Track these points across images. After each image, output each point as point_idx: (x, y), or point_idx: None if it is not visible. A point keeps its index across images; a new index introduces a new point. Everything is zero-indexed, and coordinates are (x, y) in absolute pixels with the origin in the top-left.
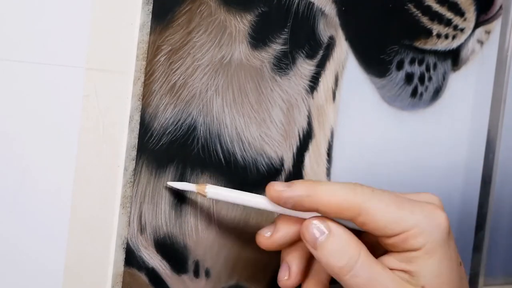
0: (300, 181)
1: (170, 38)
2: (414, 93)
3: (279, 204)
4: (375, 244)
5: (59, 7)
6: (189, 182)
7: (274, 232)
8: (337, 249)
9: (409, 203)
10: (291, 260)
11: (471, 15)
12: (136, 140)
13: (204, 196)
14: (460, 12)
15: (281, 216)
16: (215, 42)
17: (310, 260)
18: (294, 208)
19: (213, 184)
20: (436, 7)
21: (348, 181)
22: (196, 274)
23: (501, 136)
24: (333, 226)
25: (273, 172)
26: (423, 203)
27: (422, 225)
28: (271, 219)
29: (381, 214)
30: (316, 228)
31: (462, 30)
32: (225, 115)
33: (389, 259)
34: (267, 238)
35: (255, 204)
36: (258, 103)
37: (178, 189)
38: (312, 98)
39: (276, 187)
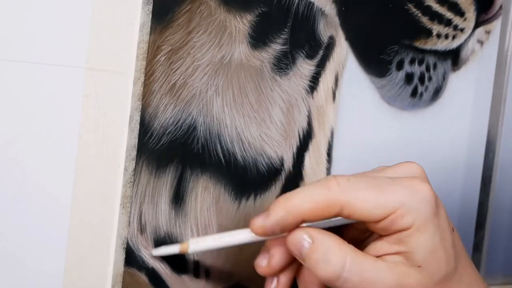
0: (273, 203)
1: (170, 38)
2: (414, 93)
3: (268, 236)
4: (367, 231)
5: (59, 7)
6: (189, 182)
7: (270, 259)
8: (322, 258)
9: (389, 183)
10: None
11: (471, 15)
12: (136, 140)
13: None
14: (460, 12)
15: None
16: (215, 42)
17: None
18: (284, 231)
19: (214, 184)
20: (436, 7)
21: None
22: (196, 274)
23: (501, 136)
24: (316, 234)
25: (273, 172)
26: (404, 179)
27: (407, 203)
28: None
29: (363, 203)
30: (300, 240)
31: (462, 30)
32: (225, 115)
33: (382, 244)
34: (266, 267)
35: (242, 240)
36: (258, 103)
37: (163, 255)
38: (312, 98)
39: (257, 223)
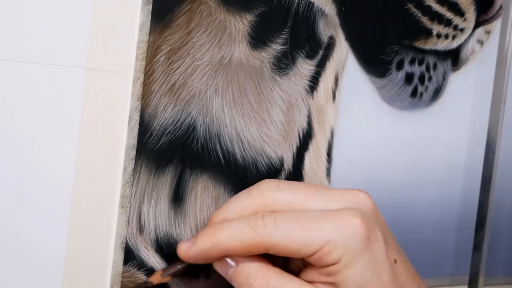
0: (201, 232)
1: (170, 38)
2: (414, 93)
3: (193, 263)
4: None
5: (59, 7)
6: (189, 182)
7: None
8: (245, 281)
9: (318, 219)
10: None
11: (471, 15)
12: (136, 140)
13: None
14: (460, 12)
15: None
16: (214, 42)
17: None
18: (206, 261)
19: (213, 184)
20: (436, 7)
21: (348, 180)
22: (196, 274)
23: (501, 136)
24: (240, 258)
25: (273, 172)
26: (336, 212)
27: (335, 239)
28: None
29: (288, 243)
30: (224, 262)
31: (462, 30)
32: (224, 115)
33: (312, 273)
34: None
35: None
36: (258, 103)
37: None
38: (312, 98)
39: (182, 247)
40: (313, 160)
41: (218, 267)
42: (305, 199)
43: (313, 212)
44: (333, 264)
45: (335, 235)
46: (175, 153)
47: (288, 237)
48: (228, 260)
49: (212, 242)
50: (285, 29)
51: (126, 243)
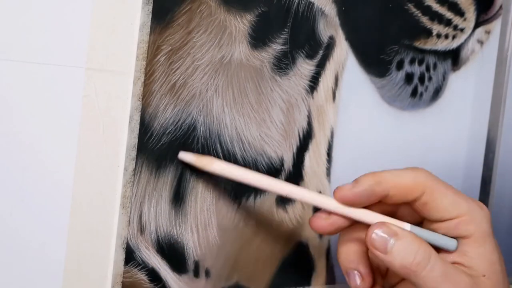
0: (362, 176)
1: (170, 38)
2: (414, 93)
3: (352, 204)
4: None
5: (59, 7)
6: (189, 182)
7: (330, 217)
8: (410, 248)
9: (462, 193)
10: (357, 266)
11: (471, 15)
12: (136, 140)
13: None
14: (460, 12)
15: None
16: (215, 42)
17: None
18: (366, 202)
19: (214, 184)
20: (436, 7)
21: (348, 180)
22: (196, 274)
23: (501, 136)
24: (398, 229)
25: (273, 172)
26: (472, 199)
27: (474, 213)
28: (272, 219)
29: (442, 195)
30: (383, 234)
31: (462, 30)
32: (225, 115)
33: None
34: (325, 220)
35: (320, 203)
36: (258, 103)
37: (185, 162)
38: (312, 98)
39: (346, 187)
40: (313, 160)
41: (376, 241)
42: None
43: (459, 191)
44: (465, 237)
45: (475, 209)
46: (175, 153)
47: (444, 190)
48: (387, 231)
49: (377, 178)
50: (285, 29)
51: (127, 243)
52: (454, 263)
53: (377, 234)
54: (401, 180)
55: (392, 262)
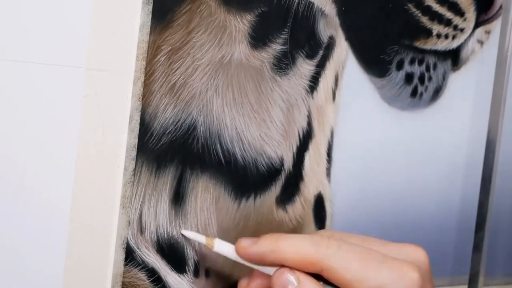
0: (267, 236)
1: (170, 38)
2: (414, 93)
3: (247, 260)
4: None
5: (59, 7)
6: (189, 182)
7: (250, 282)
8: None
9: (378, 261)
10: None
11: (471, 15)
12: (136, 140)
13: (211, 248)
14: (460, 12)
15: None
16: (215, 42)
17: None
18: (260, 262)
19: (214, 184)
20: (436, 7)
21: (348, 180)
22: (196, 274)
23: (501, 136)
24: (302, 277)
25: (273, 172)
26: (397, 261)
27: (388, 286)
28: (272, 219)
29: (344, 272)
30: (286, 279)
31: (462, 30)
32: (225, 115)
33: None
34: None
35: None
36: (258, 103)
37: (190, 238)
38: (312, 98)
39: (243, 243)
40: (313, 160)
41: (278, 282)
42: (368, 245)
43: (377, 253)
44: None
45: (390, 281)
46: (175, 153)
47: (346, 266)
48: (292, 278)
49: (274, 247)
50: (285, 29)
51: (127, 243)
52: None
53: (279, 278)
54: (296, 255)
55: None
